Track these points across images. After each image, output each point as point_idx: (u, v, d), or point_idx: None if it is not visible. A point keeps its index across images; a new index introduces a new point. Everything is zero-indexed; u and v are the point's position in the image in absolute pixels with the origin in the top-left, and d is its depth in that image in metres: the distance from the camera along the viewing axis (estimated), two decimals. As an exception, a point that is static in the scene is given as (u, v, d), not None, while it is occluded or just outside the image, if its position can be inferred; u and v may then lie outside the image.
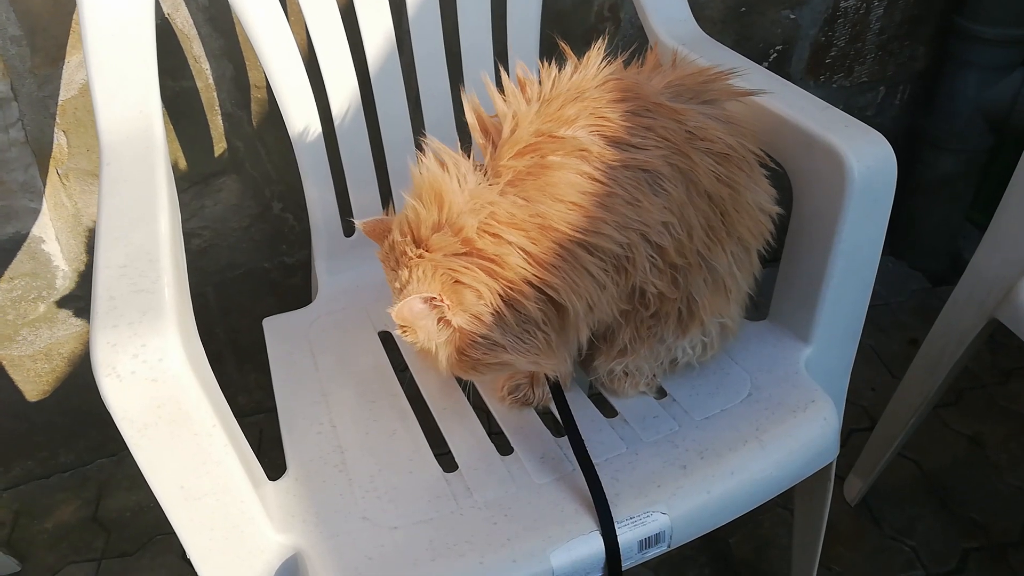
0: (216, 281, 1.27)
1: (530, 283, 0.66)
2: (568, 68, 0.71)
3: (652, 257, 0.71)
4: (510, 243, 0.65)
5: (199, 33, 1.06)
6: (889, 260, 1.77)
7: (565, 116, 0.67)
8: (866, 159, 0.76)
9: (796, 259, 0.85)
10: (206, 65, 1.08)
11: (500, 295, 0.67)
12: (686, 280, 0.74)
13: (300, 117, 0.94)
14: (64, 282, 1.17)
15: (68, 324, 1.21)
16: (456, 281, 0.67)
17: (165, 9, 1.03)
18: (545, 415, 0.84)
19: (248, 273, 1.28)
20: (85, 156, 1.08)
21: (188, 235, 1.21)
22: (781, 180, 0.83)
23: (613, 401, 0.84)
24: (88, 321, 1.23)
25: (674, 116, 0.70)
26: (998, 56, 1.44)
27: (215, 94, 1.11)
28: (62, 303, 1.19)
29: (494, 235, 0.66)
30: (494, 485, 0.75)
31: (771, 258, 0.82)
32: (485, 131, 0.70)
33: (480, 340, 0.68)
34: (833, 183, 0.77)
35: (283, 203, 1.23)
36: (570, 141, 0.66)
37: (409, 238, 0.70)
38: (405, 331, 0.70)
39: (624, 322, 0.76)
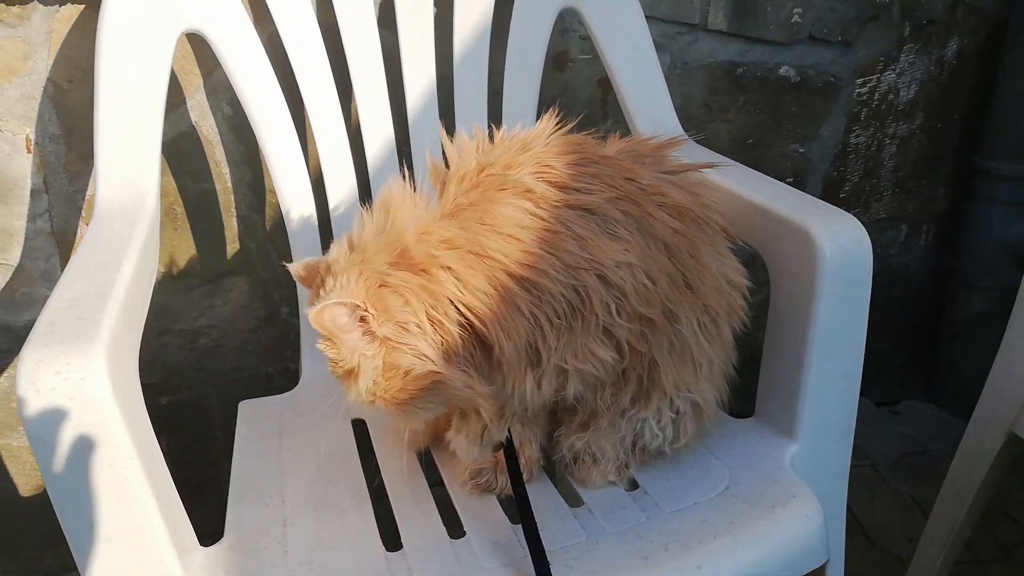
0: (220, 383, 1.28)
1: (456, 308, 0.65)
2: (517, 127, 0.74)
3: (617, 298, 0.68)
4: (443, 265, 0.65)
5: (222, 140, 1.14)
6: (928, 407, 1.67)
7: (510, 161, 0.69)
8: (838, 238, 0.74)
9: (776, 349, 0.81)
10: (226, 170, 1.15)
11: (425, 308, 0.65)
12: (653, 336, 0.72)
13: (296, 202, 0.99)
14: (70, 373, 1.20)
15: (70, 417, 1.22)
16: (382, 285, 0.65)
17: (193, 117, 1.12)
18: (507, 503, 0.78)
19: (252, 377, 1.29)
20: (104, 249, 1.14)
21: (196, 334, 1.23)
22: (761, 274, 0.82)
23: (581, 491, 0.79)
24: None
25: (623, 170, 0.71)
26: (1018, 192, 1.42)
27: (232, 197, 1.17)
28: (66, 395, 1.21)
29: (428, 254, 0.65)
30: (436, 567, 0.70)
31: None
32: (438, 177, 0.71)
33: (408, 350, 0.65)
34: (805, 264, 0.75)
35: (291, 307, 1.26)
36: (513, 180, 0.67)
37: (346, 246, 0.69)
38: (327, 343, 0.67)
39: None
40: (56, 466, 0.57)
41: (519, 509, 0.71)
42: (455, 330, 0.65)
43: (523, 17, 1.02)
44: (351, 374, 0.68)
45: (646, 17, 1.22)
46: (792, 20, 1.32)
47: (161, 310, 1.20)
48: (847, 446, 0.82)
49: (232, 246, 1.20)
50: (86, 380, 0.56)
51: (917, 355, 1.69)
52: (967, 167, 1.51)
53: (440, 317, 0.65)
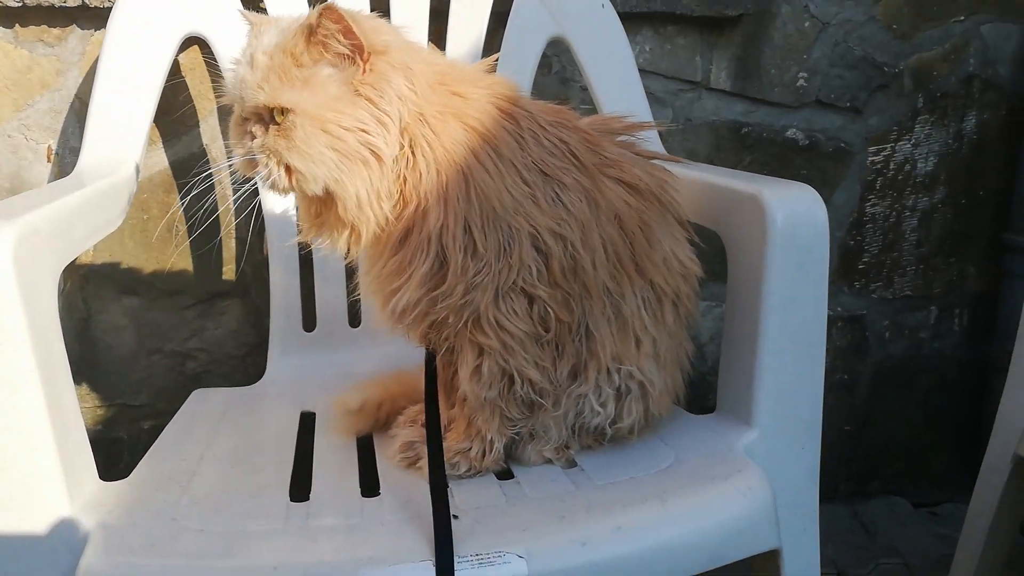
0: (204, 411, 1.26)
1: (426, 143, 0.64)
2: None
3: (537, 261, 0.66)
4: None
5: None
6: (974, 510, 1.50)
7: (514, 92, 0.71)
8: (788, 203, 0.71)
9: (732, 331, 0.76)
10: (230, 191, 1.20)
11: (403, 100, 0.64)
12: (582, 308, 0.68)
13: (277, 200, 1.01)
14: (59, 384, 1.21)
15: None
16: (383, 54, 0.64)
17: (204, 140, 1.18)
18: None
19: (238, 409, 1.27)
20: (107, 260, 1.18)
21: (184, 356, 1.24)
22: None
23: (515, 469, 0.73)
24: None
25: (589, 142, 0.71)
26: (1052, 266, 1.34)
27: (232, 218, 1.21)
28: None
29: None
30: (337, 514, 0.64)
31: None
32: None
33: (372, 107, 0.63)
34: (755, 232, 0.72)
35: (282, 337, 1.26)
36: (498, 93, 0.69)
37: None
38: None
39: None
40: (-55, 336, 0.56)
41: (428, 439, 0.66)
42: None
43: (513, 46, 1.06)
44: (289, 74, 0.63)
45: (646, 72, 1.27)
46: (797, 83, 1.34)
47: (154, 327, 1.22)
48: (814, 442, 0.73)
49: (228, 267, 1.23)
50: (-14, 252, 0.57)
51: (960, 453, 1.55)
52: (1000, 245, 1.44)
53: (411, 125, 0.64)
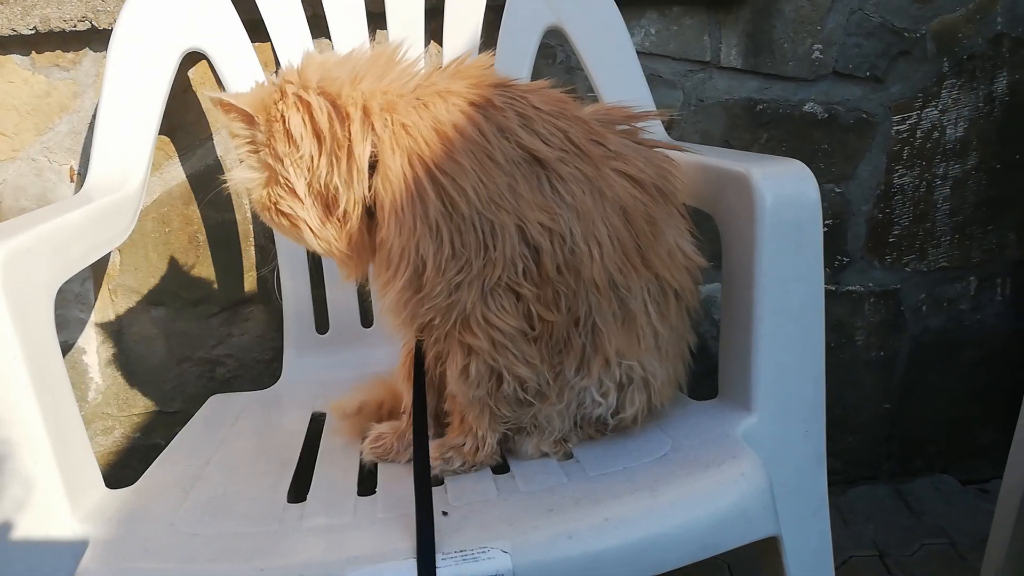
0: (235, 416, 1.30)
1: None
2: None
3: (526, 258, 0.65)
4: (368, 121, 0.66)
5: (243, 173, 1.22)
6: None
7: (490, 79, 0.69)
8: (777, 179, 0.69)
9: (729, 316, 0.74)
10: (246, 200, 1.23)
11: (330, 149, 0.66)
12: (588, 303, 0.67)
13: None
14: (96, 396, 1.26)
15: (95, 442, 1.27)
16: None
17: (218, 151, 1.21)
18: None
19: (267, 413, 1.30)
20: (133, 274, 1.22)
21: (213, 363, 1.27)
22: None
23: (511, 463, 0.73)
24: (115, 438, 1.28)
25: (592, 133, 0.69)
26: (1093, 226, 1.27)
27: (251, 227, 1.23)
28: (90, 418, 1.26)
29: (357, 102, 0.67)
30: (330, 514, 0.65)
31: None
32: None
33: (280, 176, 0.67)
34: (746, 210, 0.70)
35: (305, 341, 1.28)
36: (467, 89, 0.67)
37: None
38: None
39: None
40: (-58, 357, 0.59)
41: (415, 436, 0.66)
42: (353, 191, 0.66)
43: (509, 38, 1.06)
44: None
45: (653, 55, 1.25)
46: (812, 56, 1.30)
47: (183, 336, 1.25)
48: (818, 425, 0.71)
49: (250, 275, 1.26)
50: (-24, 274, 0.59)
51: (1009, 427, 1.49)
52: (1039, 210, 1.38)
53: (343, 169, 0.66)
